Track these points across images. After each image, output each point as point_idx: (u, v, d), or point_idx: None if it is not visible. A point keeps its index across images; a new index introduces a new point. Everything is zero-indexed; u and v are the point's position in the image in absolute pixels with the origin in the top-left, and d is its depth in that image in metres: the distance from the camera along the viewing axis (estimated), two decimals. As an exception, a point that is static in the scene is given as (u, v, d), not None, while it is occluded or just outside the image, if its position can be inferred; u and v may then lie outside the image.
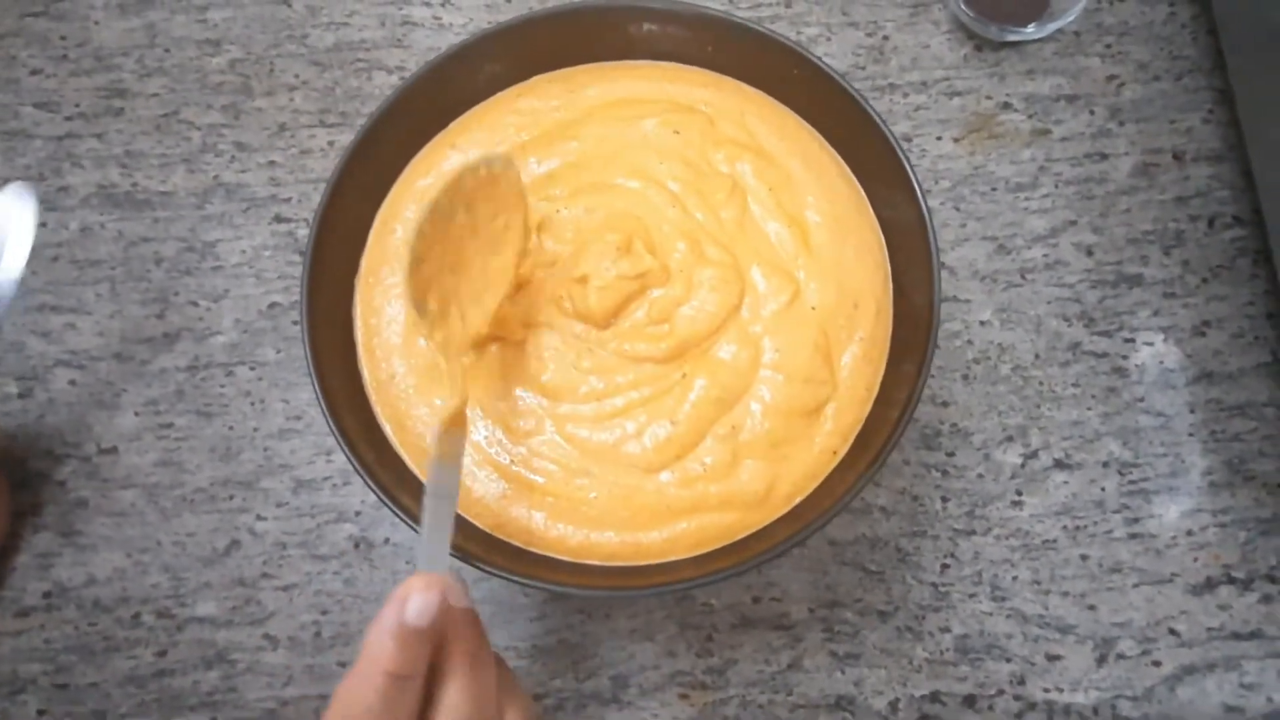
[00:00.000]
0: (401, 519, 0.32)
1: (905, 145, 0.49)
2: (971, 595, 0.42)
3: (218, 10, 0.54)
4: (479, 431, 0.35)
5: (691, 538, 0.34)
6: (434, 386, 0.36)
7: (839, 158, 0.39)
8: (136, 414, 0.46)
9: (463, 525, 0.34)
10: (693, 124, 0.39)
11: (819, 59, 0.37)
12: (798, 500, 0.34)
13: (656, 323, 0.35)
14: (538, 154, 0.39)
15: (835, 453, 0.35)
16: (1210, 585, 0.42)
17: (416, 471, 0.35)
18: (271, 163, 0.50)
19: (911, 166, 0.35)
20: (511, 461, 0.35)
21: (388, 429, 0.36)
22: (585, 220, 0.36)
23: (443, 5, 0.54)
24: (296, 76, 0.52)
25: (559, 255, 0.36)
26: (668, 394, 0.35)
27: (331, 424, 0.33)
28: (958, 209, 0.48)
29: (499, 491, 0.35)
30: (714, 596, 0.42)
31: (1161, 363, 0.45)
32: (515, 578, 0.31)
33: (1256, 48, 0.45)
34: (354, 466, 0.32)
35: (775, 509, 0.34)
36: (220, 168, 0.50)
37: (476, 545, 0.33)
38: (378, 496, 0.32)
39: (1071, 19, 0.49)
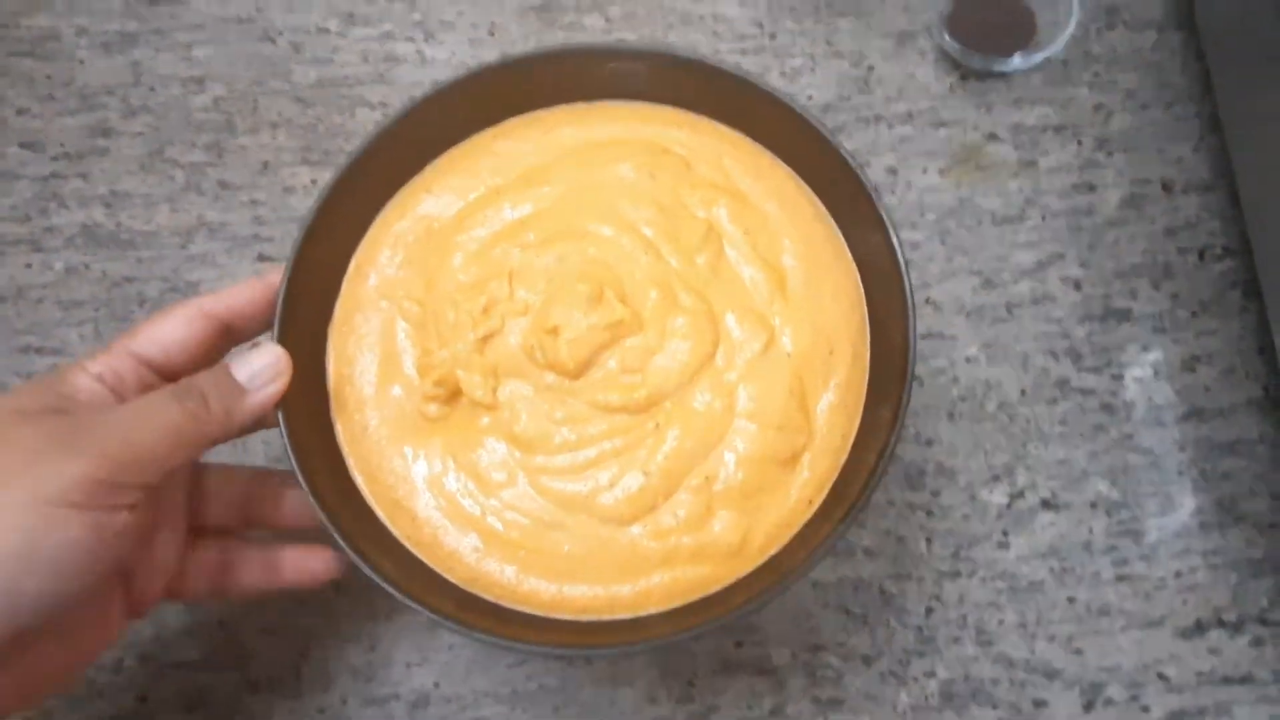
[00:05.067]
0: (375, 580, 0.31)
1: (891, 177, 0.49)
2: (956, 639, 0.41)
3: (201, 48, 0.54)
4: (450, 484, 0.35)
5: (664, 590, 0.34)
6: (406, 436, 0.36)
7: (815, 198, 0.38)
8: (119, 456, 0.46)
9: (436, 581, 0.34)
10: (668, 167, 0.38)
11: (788, 98, 0.37)
12: (773, 551, 0.34)
13: (629, 372, 0.35)
14: (511, 199, 0.38)
15: (811, 502, 0.34)
16: (1200, 628, 0.41)
17: (389, 525, 0.35)
18: (254, 201, 0.50)
19: (884, 207, 0.35)
20: (484, 514, 0.34)
21: (359, 480, 0.35)
22: (557, 269, 0.36)
23: (426, 40, 0.53)
24: (280, 114, 0.52)
25: (530, 305, 0.36)
26: (641, 444, 0.35)
27: (302, 481, 0.32)
28: (944, 242, 0.48)
29: (471, 545, 0.34)
30: (695, 641, 0.42)
31: (1150, 399, 0.44)
32: (489, 638, 0.31)
33: (1243, 73, 0.44)
34: (327, 528, 0.32)
35: (750, 560, 0.34)
36: (204, 207, 0.50)
37: (451, 602, 0.33)
38: (352, 558, 0.31)
39: (1058, 48, 0.49)
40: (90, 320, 0.48)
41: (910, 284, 0.34)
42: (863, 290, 0.37)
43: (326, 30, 0.54)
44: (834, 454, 0.35)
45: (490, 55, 0.53)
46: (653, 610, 0.34)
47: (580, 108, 0.40)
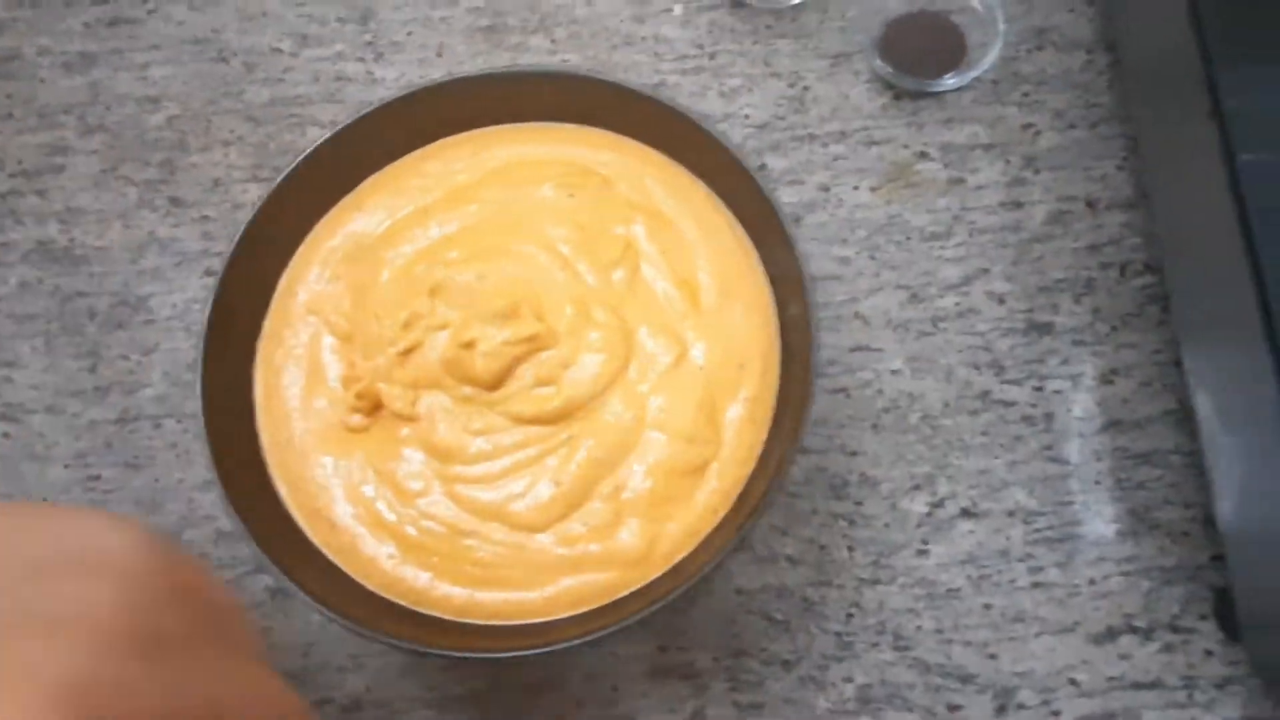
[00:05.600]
0: (287, 585, 0.32)
1: (824, 194, 0.50)
2: (875, 645, 0.42)
3: (158, 68, 0.55)
4: (369, 492, 0.36)
5: (572, 596, 0.35)
6: (329, 446, 0.37)
7: (733, 218, 0.40)
8: (66, 466, 0.47)
9: (351, 587, 0.35)
10: (590, 186, 0.40)
11: (699, 119, 0.38)
12: (678, 559, 0.35)
13: (544, 385, 0.36)
14: (439, 217, 0.40)
15: (717, 512, 0.36)
16: (1112, 634, 0.42)
17: (308, 532, 0.36)
18: (205, 217, 0.52)
19: (790, 227, 0.36)
20: (400, 521, 0.36)
21: (282, 489, 0.37)
22: (477, 285, 0.37)
23: (375, 60, 0.55)
24: (232, 132, 0.53)
25: (450, 320, 0.37)
26: (553, 454, 0.36)
27: (220, 487, 0.34)
28: (873, 258, 0.49)
29: (388, 552, 0.35)
30: (620, 646, 0.43)
31: (1070, 411, 0.46)
32: (394, 642, 0.32)
33: (1154, 97, 0.45)
34: (243, 533, 0.33)
35: (655, 567, 0.35)
36: (155, 223, 0.51)
37: (365, 608, 0.34)
38: (264, 562, 0.33)
39: (986, 69, 0.50)
40: (42, 334, 0.49)
41: (814, 303, 0.35)
42: (775, 307, 0.38)
43: (279, 51, 0.55)
44: (740, 465, 0.36)
45: (437, 74, 0.54)
46: (560, 615, 0.35)
47: (509, 129, 0.42)
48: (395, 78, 0.55)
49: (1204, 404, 0.40)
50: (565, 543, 0.35)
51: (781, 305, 0.38)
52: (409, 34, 0.55)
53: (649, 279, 0.38)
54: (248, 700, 0.25)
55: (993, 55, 0.50)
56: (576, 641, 0.32)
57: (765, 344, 0.38)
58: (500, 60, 0.54)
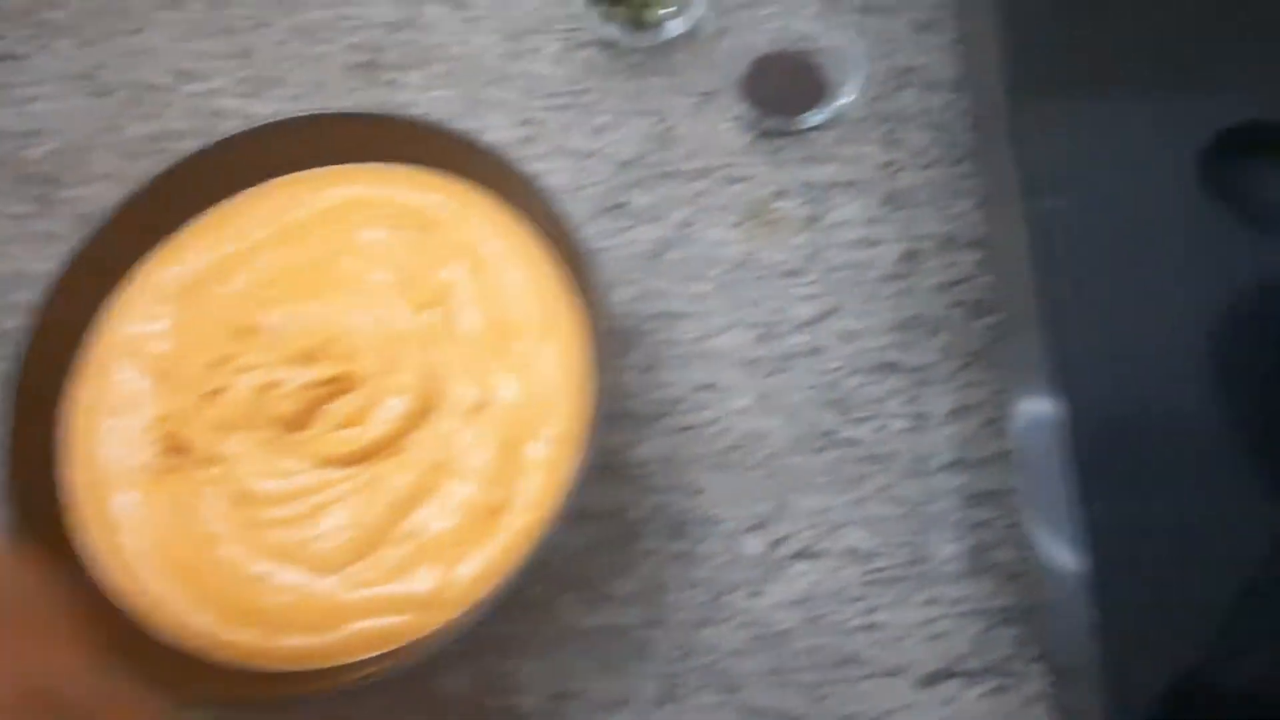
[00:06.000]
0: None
1: (684, 231, 0.51)
2: (704, 686, 0.42)
3: (41, 103, 0.56)
4: (169, 533, 0.36)
5: (364, 640, 0.35)
6: (134, 485, 0.37)
7: (556, 259, 0.40)
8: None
9: (137, 635, 0.35)
10: (414, 227, 0.40)
11: (518, 167, 0.38)
12: (473, 601, 0.35)
13: (348, 426, 0.36)
14: (264, 258, 0.40)
15: (512, 552, 0.36)
16: (939, 677, 0.42)
17: (105, 574, 0.36)
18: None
19: (589, 270, 0.36)
20: (196, 563, 0.36)
21: (84, 530, 0.37)
22: (284, 327, 0.38)
23: (252, 96, 0.56)
24: (109, 167, 0.54)
25: (259, 362, 0.37)
26: (355, 495, 0.36)
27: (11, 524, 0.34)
28: (727, 295, 0.49)
29: (181, 595, 0.36)
30: (447, 684, 0.43)
31: (913, 450, 0.46)
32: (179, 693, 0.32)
33: (985, 139, 0.46)
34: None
35: (450, 610, 0.35)
36: (27, 259, 0.52)
37: (148, 658, 0.34)
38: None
39: (846, 108, 0.51)
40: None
41: (603, 347, 0.35)
42: (587, 350, 0.39)
43: (159, 86, 0.56)
44: (538, 507, 0.36)
45: (310, 109, 0.55)
46: (355, 658, 0.35)
47: (349, 169, 0.42)
48: (270, 114, 0.54)
49: (1012, 444, 0.40)
50: (360, 585, 0.35)
51: (593, 348, 0.38)
52: (288, 70, 0.56)
53: (464, 320, 0.39)
54: (70, 686, 0.25)
55: (853, 94, 0.50)
56: (361, 685, 0.32)
57: (573, 384, 0.38)
58: (374, 96, 0.55)
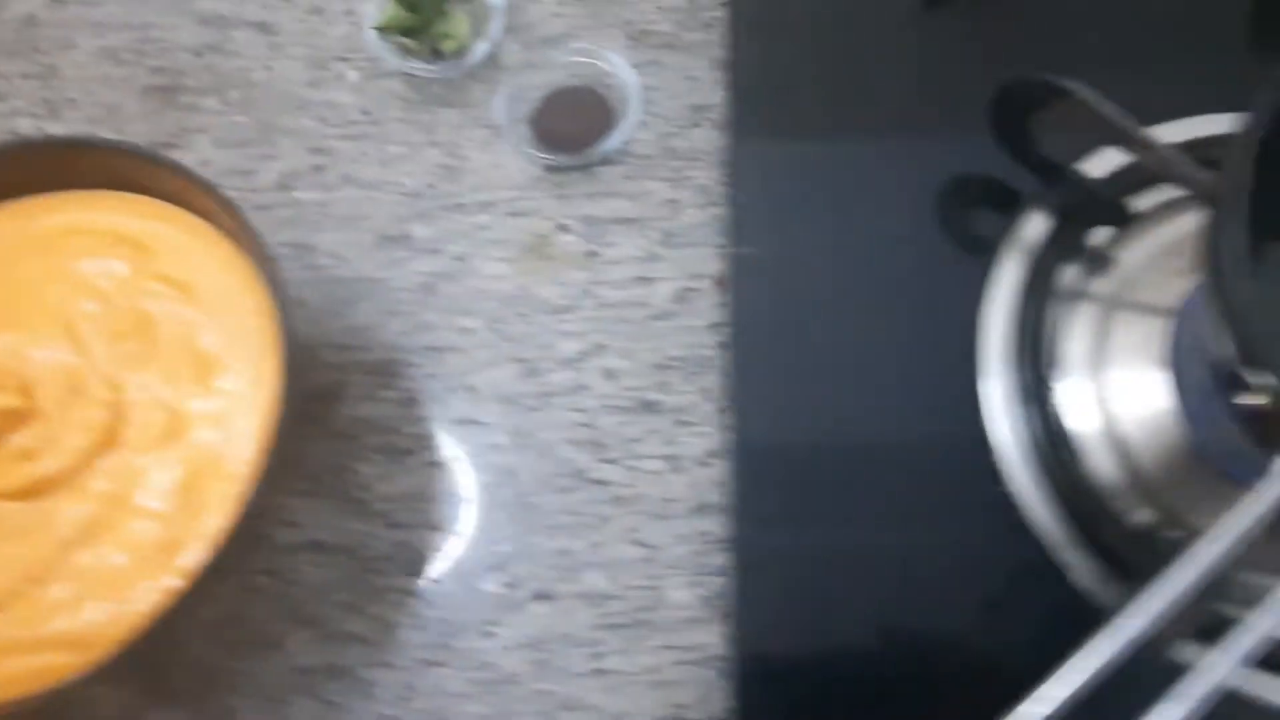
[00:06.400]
0: None
1: (459, 265, 0.50)
2: (423, 730, 0.42)
3: None
4: None
5: (21, 679, 0.34)
6: None
7: (263, 291, 0.40)
8: None
9: None
10: (126, 256, 0.40)
11: (227, 200, 0.38)
12: (132, 641, 0.34)
13: (20, 460, 0.36)
14: (-26, 285, 0.40)
15: (175, 590, 0.35)
16: (660, 727, 0.41)
17: None
18: None
19: (284, 303, 0.36)
20: None
21: None
22: (-32, 356, 0.37)
23: (49, 117, 0.55)
24: (-105, 184, 0.53)
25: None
26: (24, 531, 0.35)
27: None
28: (495, 330, 0.49)
29: None
30: (160, 724, 0.42)
31: (661, 494, 0.45)
32: None
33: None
34: None
35: (109, 649, 0.34)
36: None
37: None
38: None
39: (628, 144, 0.51)
40: None
41: (287, 385, 0.35)
42: (285, 384, 0.38)
43: (-44, 105, 0.56)
44: (208, 546, 0.35)
45: (107, 133, 0.54)
46: (5, 699, 0.34)
47: (70, 195, 0.42)
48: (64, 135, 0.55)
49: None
50: (20, 624, 0.34)
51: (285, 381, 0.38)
52: (88, 92, 0.56)
53: (163, 353, 0.38)
54: None
55: (630, 133, 0.50)
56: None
57: (266, 420, 0.37)
58: (167, 120, 0.55)
